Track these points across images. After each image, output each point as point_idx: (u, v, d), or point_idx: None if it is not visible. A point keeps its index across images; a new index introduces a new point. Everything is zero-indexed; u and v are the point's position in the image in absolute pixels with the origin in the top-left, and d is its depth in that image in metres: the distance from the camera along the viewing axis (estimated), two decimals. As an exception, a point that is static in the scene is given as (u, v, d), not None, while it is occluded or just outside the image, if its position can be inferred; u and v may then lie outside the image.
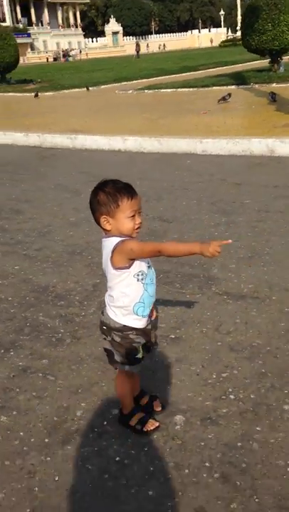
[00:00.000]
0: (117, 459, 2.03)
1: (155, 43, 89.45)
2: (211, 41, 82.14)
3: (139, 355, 2.06)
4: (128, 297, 1.98)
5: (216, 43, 72.84)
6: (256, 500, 1.78)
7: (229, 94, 12.15)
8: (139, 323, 2.02)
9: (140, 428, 2.14)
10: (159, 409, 2.24)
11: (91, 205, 2.00)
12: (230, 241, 2.01)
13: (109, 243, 1.95)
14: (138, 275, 1.97)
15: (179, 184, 6.16)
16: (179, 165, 7.23)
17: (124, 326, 2.02)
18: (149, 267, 2.02)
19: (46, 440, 2.17)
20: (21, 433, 2.22)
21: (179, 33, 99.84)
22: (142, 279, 1.98)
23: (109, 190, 1.94)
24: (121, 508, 1.81)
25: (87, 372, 2.61)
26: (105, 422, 2.24)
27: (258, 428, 2.11)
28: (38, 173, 7.37)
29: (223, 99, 12.01)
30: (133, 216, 1.94)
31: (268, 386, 2.37)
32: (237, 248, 4.04)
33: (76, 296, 3.48)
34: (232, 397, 2.32)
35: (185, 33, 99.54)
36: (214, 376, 2.48)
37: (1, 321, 3.23)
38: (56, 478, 1.97)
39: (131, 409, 2.18)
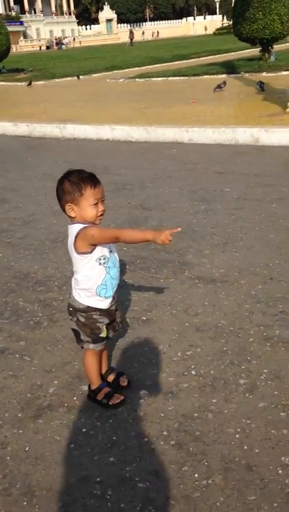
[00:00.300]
0: (84, 430, 2.19)
1: (150, 30, 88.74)
2: (205, 29, 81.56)
3: (103, 335, 2.21)
4: (91, 280, 2.13)
5: (210, 31, 72.34)
6: (205, 463, 1.95)
7: (224, 83, 12.20)
8: (102, 304, 2.17)
9: (106, 402, 2.30)
10: (125, 384, 2.40)
11: (57, 192, 2.13)
12: (179, 229, 2.15)
13: (73, 230, 2.10)
14: (100, 259, 2.11)
15: (162, 173, 6.28)
16: (165, 154, 7.35)
17: (88, 306, 2.17)
18: (111, 251, 2.16)
19: (19, 415, 2.32)
20: (-3, 408, 2.38)
21: (174, 21, 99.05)
22: (104, 263, 2.12)
23: (74, 180, 2.08)
24: (83, 474, 1.97)
25: (62, 353, 2.76)
26: (75, 398, 2.40)
27: (214, 400, 2.28)
28: (25, 163, 7.47)
29: (219, 87, 12.06)
30: (96, 204, 2.08)
31: (228, 363, 2.53)
32: (213, 235, 4.19)
33: (56, 281, 3.62)
34: (193, 372, 2.48)
35: (180, 20, 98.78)
36: (179, 354, 2.64)
37: (-18, 306, 3.38)
38: (27, 449, 2.12)
39: (98, 385, 2.34)
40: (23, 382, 2.55)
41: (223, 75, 15.33)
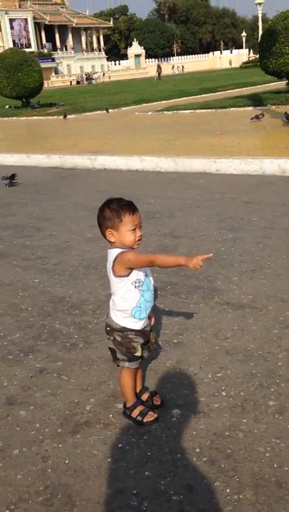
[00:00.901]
0: (120, 445, 2.31)
1: (178, 64, 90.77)
2: (230, 63, 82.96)
3: (138, 354, 2.34)
4: (127, 302, 2.28)
5: (235, 65, 73.72)
6: (237, 479, 2.03)
7: (263, 114, 12.48)
8: (136, 325, 2.32)
9: (141, 419, 2.41)
10: (159, 403, 2.52)
11: (98, 220, 2.31)
12: (211, 255, 2.29)
13: (112, 254, 2.26)
14: (135, 282, 2.27)
15: (191, 202, 6.47)
16: (193, 184, 7.55)
17: (124, 327, 2.31)
18: (146, 275, 2.32)
19: (59, 430, 2.45)
20: (37, 424, 2.51)
21: (201, 55, 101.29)
22: (139, 286, 2.28)
23: (114, 207, 2.26)
24: (120, 486, 2.07)
25: (97, 373, 2.90)
26: (111, 415, 2.52)
27: (244, 420, 2.36)
28: (58, 193, 7.77)
29: (257, 117, 12.34)
30: (134, 230, 2.25)
31: (257, 385, 2.62)
32: (241, 262, 4.31)
33: (90, 305, 3.79)
34: (224, 394, 2.58)
35: (207, 54, 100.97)
36: (209, 376, 2.74)
37: (21, 328, 3.55)
38: (66, 462, 2.25)
39: (133, 403, 2.46)
40: (61, 400, 2.68)
41: (250, 108, 15.64)
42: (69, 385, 2.81)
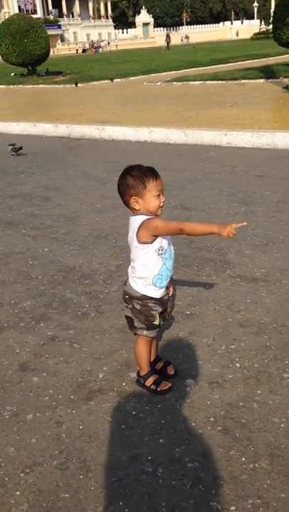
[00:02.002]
0: (134, 413, 2.31)
1: (190, 34, 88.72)
2: (237, 34, 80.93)
3: (156, 322, 2.33)
4: (148, 269, 2.25)
5: (242, 36, 71.97)
6: (252, 448, 2.04)
7: None
8: (157, 293, 2.29)
9: (155, 388, 2.42)
10: (172, 372, 2.51)
11: (119, 188, 2.25)
12: (245, 223, 2.26)
13: (136, 220, 2.22)
14: (159, 250, 2.23)
15: (201, 175, 6.38)
16: (203, 156, 7.44)
17: (144, 295, 2.29)
18: (169, 244, 2.28)
19: (72, 397, 2.46)
20: (50, 391, 2.51)
21: (211, 25, 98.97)
22: (162, 254, 2.24)
23: (136, 174, 2.20)
24: (135, 452, 2.08)
25: (109, 342, 2.89)
26: (124, 383, 2.52)
27: (258, 391, 2.36)
28: (66, 163, 7.68)
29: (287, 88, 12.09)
30: (158, 195, 2.20)
31: (271, 357, 2.61)
32: (253, 236, 4.27)
33: (100, 275, 3.77)
34: (238, 365, 2.57)
35: (217, 24, 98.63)
36: (223, 347, 2.74)
37: (32, 296, 3.54)
38: (80, 428, 2.26)
39: (147, 371, 2.45)
40: (74, 368, 2.68)
41: (261, 80, 15.34)
42: (81, 353, 2.81)
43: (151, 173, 2.19)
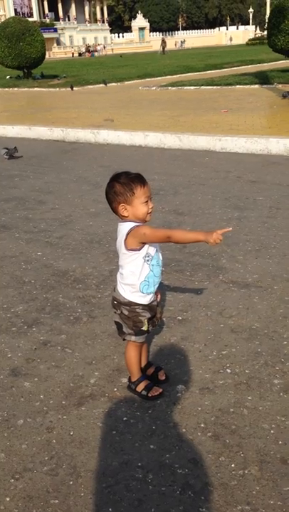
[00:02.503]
0: (124, 418, 2.32)
1: (176, 40, 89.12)
2: (231, 39, 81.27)
3: (144, 328, 2.34)
4: (135, 276, 2.26)
5: (237, 41, 72.33)
6: (242, 455, 2.05)
7: None
8: (144, 299, 2.30)
9: (146, 394, 2.42)
10: (164, 378, 2.52)
11: (107, 195, 2.26)
12: (230, 228, 2.27)
13: (124, 227, 2.23)
14: (146, 257, 2.24)
15: (195, 180, 6.41)
16: (198, 161, 7.47)
17: (131, 301, 2.30)
18: (156, 250, 2.29)
19: (63, 402, 2.46)
20: (42, 396, 2.51)
21: (206, 30, 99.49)
22: (149, 261, 2.26)
23: (124, 181, 2.21)
24: (125, 458, 2.09)
25: (101, 347, 2.90)
26: (115, 389, 2.53)
27: (249, 397, 2.37)
28: (61, 167, 7.68)
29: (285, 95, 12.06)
30: (146, 202, 2.21)
31: (262, 363, 2.63)
32: (246, 241, 4.29)
33: (93, 280, 3.77)
34: (229, 371, 2.58)
35: (212, 30, 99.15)
36: (214, 353, 2.75)
37: (24, 301, 3.54)
38: (71, 433, 2.25)
39: (138, 377, 2.46)
40: (65, 373, 2.68)
41: (256, 86, 15.42)
42: (73, 358, 2.81)
43: (138, 179, 2.20)
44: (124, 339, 2.43)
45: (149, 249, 2.26)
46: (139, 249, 2.23)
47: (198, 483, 1.93)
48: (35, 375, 2.69)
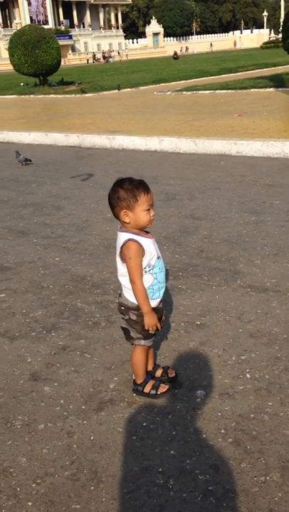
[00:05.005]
0: (144, 424, 2.32)
1: (196, 43, 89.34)
2: (235, 44, 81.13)
3: (152, 331, 2.35)
4: None
5: (248, 45, 72.20)
6: (263, 461, 2.03)
7: None
8: (151, 303, 2.31)
9: (155, 392, 2.46)
10: (173, 375, 2.55)
11: (110, 200, 2.25)
12: (160, 328, 2.37)
13: (120, 238, 2.24)
14: (146, 267, 2.26)
15: (211, 184, 6.40)
16: (213, 166, 7.46)
17: (138, 305, 2.30)
18: (158, 257, 2.30)
19: (83, 407, 2.47)
20: (62, 401, 2.53)
21: (220, 34, 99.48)
22: (150, 270, 2.27)
23: (128, 187, 2.20)
24: (146, 463, 2.09)
25: (120, 352, 2.90)
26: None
27: (269, 403, 2.36)
28: (77, 172, 7.73)
29: None
30: (148, 210, 2.21)
31: (282, 368, 2.61)
32: (263, 245, 4.26)
33: (111, 285, 3.78)
34: (248, 376, 2.57)
35: (226, 34, 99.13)
36: (233, 358, 2.73)
37: (43, 306, 3.57)
38: (91, 438, 2.26)
39: (144, 379, 2.48)
40: (84, 378, 2.70)
41: (271, 89, 15.36)
42: (92, 363, 2.82)
43: (142, 186, 2.20)
44: (132, 344, 2.45)
45: (150, 260, 2.26)
46: None
47: (219, 490, 1.92)
48: (55, 379, 2.70)
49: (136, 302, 2.31)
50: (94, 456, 2.15)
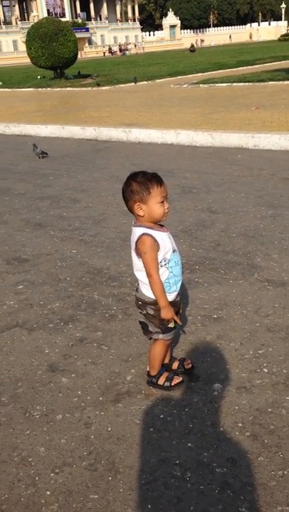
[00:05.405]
0: (161, 416, 2.32)
1: (213, 36, 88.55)
2: (250, 36, 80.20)
3: (171, 325, 2.36)
4: None
5: (255, 38, 71.35)
6: (281, 455, 2.03)
7: None
8: (168, 297, 2.31)
9: (169, 384, 2.47)
10: (190, 366, 2.56)
11: (124, 194, 2.24)
12: (180, 323, 2.39)
13: (134, 234, 2.23)
14: (162, 261, 2.25)
15: (228, 178, 6.36)
16: (230, 159, 7.41)
17: (156, 300, 2.30)
18: (174, 251, 2.29)
19: (100, 398, 2.48)
20: (79, 392, 2.55)
21: (238, 26, 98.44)
22: (166, 264, 2.26)
23: (141, 180, 2.19)
24: (163, 455, 2.09)
25: (137, 344, 2.91)
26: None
27: (287, 398, 2.35)
28: (94, 165, 7.75)
29: None
30: (162, 202, 2.20)
31: (301, 363, 2.59)
32: (281, 240, 4.23)
33: (128, 278, 3.79)
34: (266, 370, 2.56)
35: (244, 26, 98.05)
36: (251, 352, 2.72)
37: (60, 298, 3.59)
38: (109, 429, 2.28)
39: (158, 371, 2.50)
40: (102, 369, 2.71)
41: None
42: (109, 355, 2.83)
43: (155, 179, 2.19)
44: (150, 338, 2.45)
45: (166, 254, 2.25)
46: None
47: (237, 483, 1.92)
48: (73, 371, 2.72)
49: (153, 297, 2.31)
50: (111, 447, 2.17)
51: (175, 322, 2.36)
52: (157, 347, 2.45)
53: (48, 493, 1.95)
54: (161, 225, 2.29)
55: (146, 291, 2.33)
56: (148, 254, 2.20)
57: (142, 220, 2.23)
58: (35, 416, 2.38)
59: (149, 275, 2.23)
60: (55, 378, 2.66)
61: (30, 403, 2.47)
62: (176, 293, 2.36)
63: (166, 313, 2.28)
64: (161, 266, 2.25)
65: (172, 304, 2.35)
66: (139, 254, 2.24)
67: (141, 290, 2.37)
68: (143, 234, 2.19)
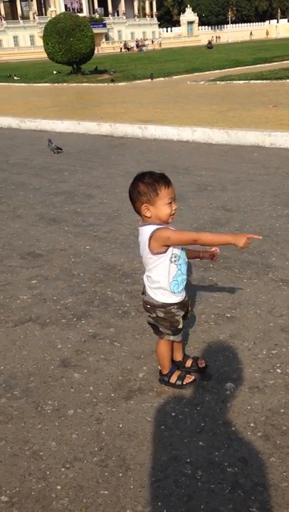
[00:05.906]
0: (173, 414, 2.32)
1: (231, 32, 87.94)
2: (267, 33, 79.45)
3: (180, 326, 2.37)
4: (165, 278, 2.26)
5: (276, 35, 70.68)
6: (293, 456, 2.01)
7: None
8: (177, 298, 2.32)
9: (181, 383, 2.46)
10: (203, 365, 2.55)
11: (131, 195, 2.23)
12: (260, 237, 2.29)
13: (146, 231, 2.21)
14: (172, 257, 2.24)
15: (244, 176, 6.31)
16: (246, 157, 7.36)
17: (165, 303, 2.30)
18: (182, 248, 2.28)
19: (112, 395, 2.49)
20: (91, 388, 2.55)
21: (256, 23, 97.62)
22: (175, 261, 2.25)
23: (148, 181, 2.17)
24: (174, 453, 2.09)
25: (149, 342, 2.91)
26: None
27: (301, 398, 2.33)
28: (109, 161, 7.74)
29: None
30: (170, 203, 2.19)
31: (315, 364, 2.57)
32: (297, 239, 4.19)
33: (141, 275, 3.74)
34: (279, 371, 2.54)
35: (262, 23, 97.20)
36: (264, 352, 2.71)
37: (74, 293, 3.60)
38: (120, 426, 2.28)
39: (170, 369, 2.49)
40: (114, 366, 2.71)
41: (307, 79, 15.00)
42: (121, 352, 2.84)
43: (163, 180, 2.18)
44: (161, 338, 2.45)
45: (174, 250, 2.24)
46: (165, 252, 2.22)
47: (248, 483, 1.91)
48: (85, 366, 2.73)
49: (160, 300, 2.31)
50: (122, 443, 2.17)
51: (183, 322, 2.37)
52: (161, 346, 2.47)
53: (59, 487, 1.96)
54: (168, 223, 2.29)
55: (154, 295, 2.33)
56: (171, 236, 2.16)
57: (148, 221, 2.23)
58: (46, 410, 2.39)
59: (194, 240, 2.16)
60: (67, 373, 2.67)
61: (42, 398, 2.49)
62: (184, 293, 2.35)
63: (239, 240, 2.14)
64: (171, 262, 2.24)
65: (182, 304, 2.34)
66: (153, 250, 2.22)
67: (148, 294, 2.36)
68: (156, 229, 2.18)
